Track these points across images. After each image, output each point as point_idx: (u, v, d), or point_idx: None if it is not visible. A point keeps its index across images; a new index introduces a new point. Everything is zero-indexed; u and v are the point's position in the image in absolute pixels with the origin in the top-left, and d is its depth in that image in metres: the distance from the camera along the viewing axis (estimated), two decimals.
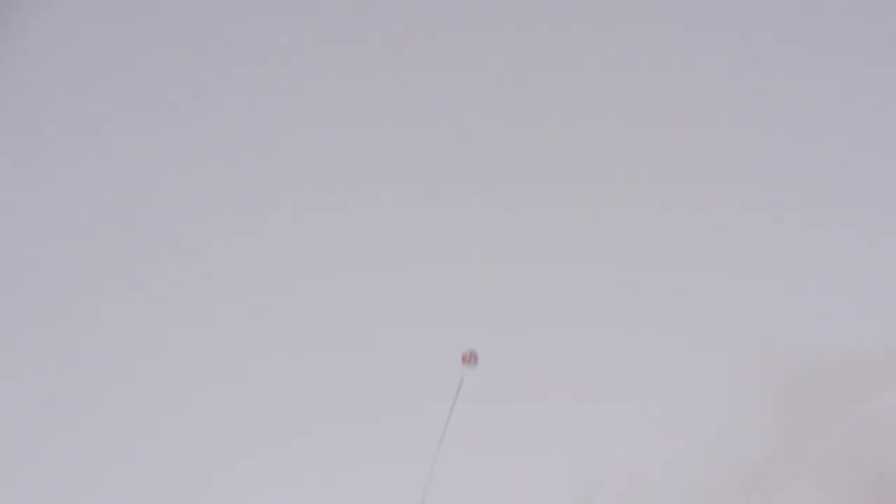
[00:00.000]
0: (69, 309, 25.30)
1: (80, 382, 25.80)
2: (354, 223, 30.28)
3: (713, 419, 29.65)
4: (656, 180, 32.25)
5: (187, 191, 26.75)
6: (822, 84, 31.90)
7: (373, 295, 30.02)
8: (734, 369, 30.17)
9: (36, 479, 23.62)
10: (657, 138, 32.85)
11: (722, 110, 33.78)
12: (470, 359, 25.03)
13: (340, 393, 29.66)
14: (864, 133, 34.61)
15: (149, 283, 26.23)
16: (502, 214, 30.84)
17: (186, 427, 26.40)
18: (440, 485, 27.03)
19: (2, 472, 22.65)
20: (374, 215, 30.18)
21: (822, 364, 30.37)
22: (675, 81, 31.13)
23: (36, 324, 24.56)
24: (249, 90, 27.49)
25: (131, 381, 26.36)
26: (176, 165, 26.78)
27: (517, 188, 30.57)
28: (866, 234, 32.46)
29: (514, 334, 30.17)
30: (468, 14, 28.27)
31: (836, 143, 34.92)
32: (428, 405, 28.11)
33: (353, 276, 30.20)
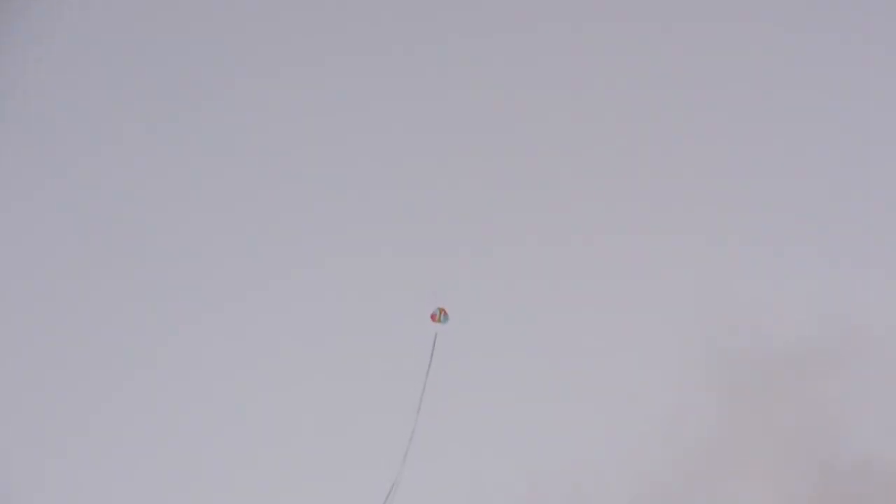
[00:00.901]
0: (71, 309, 25.19)
1: (85, 380, 25.57)
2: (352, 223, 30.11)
3: (659, 410, 29.82)
4: (608, 177, 32.35)
5: (187, 190, 26.65)
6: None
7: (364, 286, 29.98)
8: (680, 361, 30.35)
9: (36, 477, 23.43)
10: (606, 140, 32.87)
11: (652, 109, 33.68)
12: (440, 316, 25.21)
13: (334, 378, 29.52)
14: (798, 129, 34.56)
15: (150, 284, 26.18)
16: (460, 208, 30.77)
17: (186, 426, 26.23)
18: (405, 481, 27.07)
19: (1, 472, 22.52)
20: (373, 215, 30.07)
21: (767, 354, 30.64)
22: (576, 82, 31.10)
23: (36, 324, 24.47)
24: (248, 95, 27.43)
25: (132, 381, 26.16)
26: (176, 166, 26.71)
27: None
28: (810, 227, 32.68)
29: (464, 332, 30.13)
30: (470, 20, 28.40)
31: (777, 138, 34.75)
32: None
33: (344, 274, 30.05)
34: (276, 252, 34.88)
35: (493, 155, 33.86)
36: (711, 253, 33.43)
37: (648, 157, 35.24)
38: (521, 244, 31.77)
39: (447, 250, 31.92)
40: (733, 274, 33.36)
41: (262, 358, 33.19)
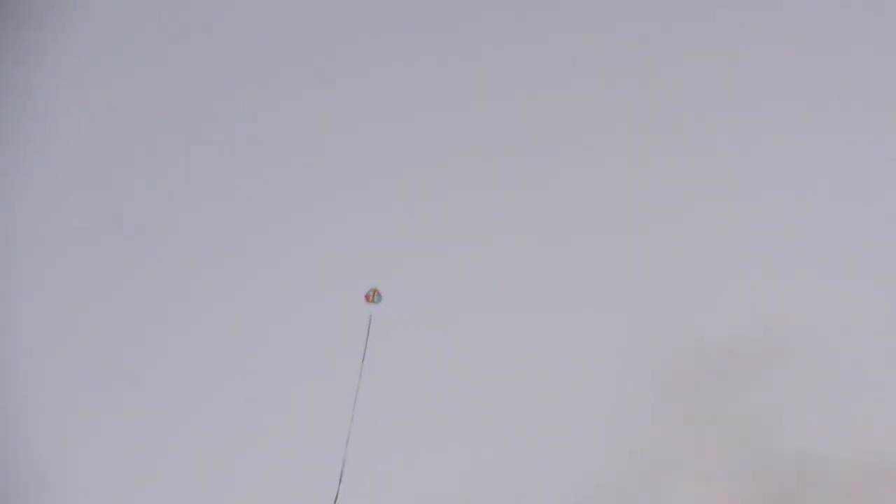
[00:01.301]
0: (71, 308, 24.92)
1: (89, 380, 25.27)
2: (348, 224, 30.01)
3: (599, 411, 29.92)
4: (552, 178, 32.39)
5: (184, 189, 26.44)
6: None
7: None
8: (618, 361, 30.51)
9: (37, 477, 23.12)
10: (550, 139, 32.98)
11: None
12: (373, 296, 25.16)
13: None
14: (733, 130, 34.92)
15: (150, 283, 25.95)
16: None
17: (184, 424, 26.01)
18: (346, 482, 26.95)
19: (2, 471, 22.27)
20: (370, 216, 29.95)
21: (704, 353, 30.86)
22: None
23: (37, 323, 24.16)
24: (246, 99, 27.21)
25: (132, 380, 25.87)
26: (173, 166, 26.56)
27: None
28: (746, 226, 33.02)
29: (405, 335, 30.03)
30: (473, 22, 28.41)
31: (713, 141, 35.12)
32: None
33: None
34: (276, 252, 34.90)
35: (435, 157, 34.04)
36: (648, 253, 33.73)
37: (580, 162, 35.46)
38: (462, 244, 31.89)
39: (394, 246, 32.16)
40: (671, 273, 33.68)
41: (263, 357, 33.17)
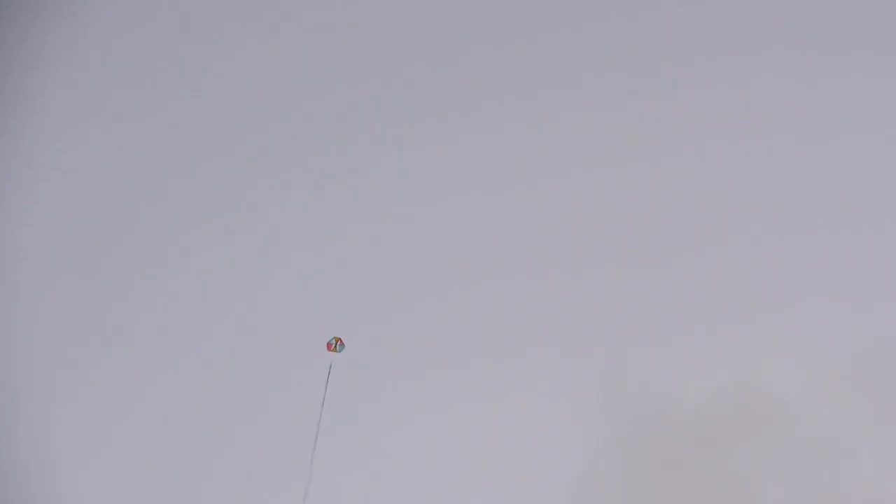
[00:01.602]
0: (71, 308, 25.13)
1: (88, 376, 25.44)
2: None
3: (565, 477, 29.82)
4: (524, 253, 32.20)
5: (185, 188, 26.58)
6: None
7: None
8: (586, 427, 30.37)
9: (38, 475, 23.31)
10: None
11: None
12: (335, 345, 25.10)
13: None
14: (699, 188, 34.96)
15: (150, 284, 26.11)
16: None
17: (184, 424, 26.17)
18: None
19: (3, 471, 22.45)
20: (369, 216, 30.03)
21: (674, 420, 30.91)
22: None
23: (37, 322, 24.34)
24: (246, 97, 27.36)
25: (133, 379, 25.98)
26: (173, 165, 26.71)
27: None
28: (719, 295, 33.10)
29: (367, 392, 29.97)
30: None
31: (677, 204, 35.11)
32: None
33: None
34: (274, 253, 34.96)
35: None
36: (620, 319, 33.66)
37: (549, 238, 35.51)
38: (448, 320, 31.64)
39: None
40: (640, 340, 33.60)
41: (261, 357, 33.20)
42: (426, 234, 34.65)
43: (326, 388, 28.72)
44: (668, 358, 34.06)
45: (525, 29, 35.70)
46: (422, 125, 34.90)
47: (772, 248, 37.40)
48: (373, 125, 34.51)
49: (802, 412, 36.36)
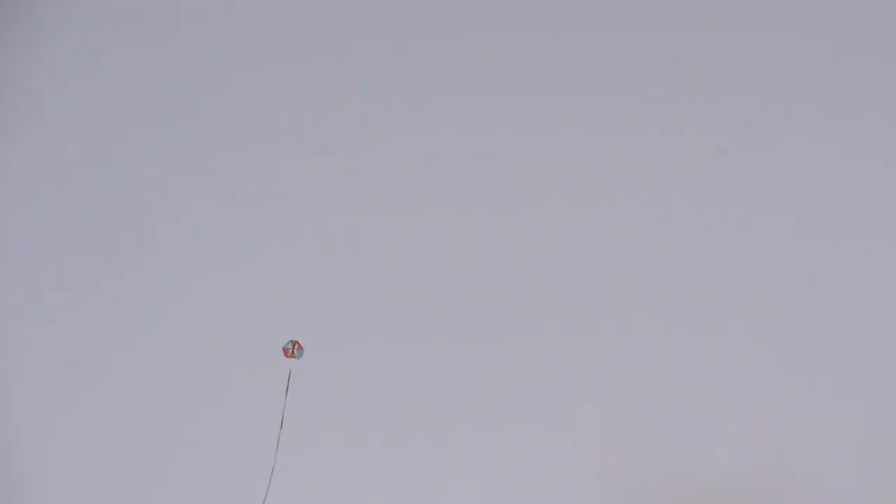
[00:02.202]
0: (71, 308, 25.47)
1: (88, 378, 25.82)
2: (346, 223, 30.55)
3: None
4: (506, 318, 32.48)
5: (183, 188, 26.97)
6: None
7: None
8: (595, 495, 30.43)
9: (38, 475, 23.64)
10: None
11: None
12: (292, 349, 25.11)
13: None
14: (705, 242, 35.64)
15: (150, 283, 26.59)
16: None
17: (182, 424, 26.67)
18: None
19: (3, 470, 22.76)
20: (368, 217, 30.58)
21: (690, 490, 30.88)
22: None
23: (37, 322, 24.65)
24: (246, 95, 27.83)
25: (134, 379, 26.45)
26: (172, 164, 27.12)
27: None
28: (740, 350, 33.15)
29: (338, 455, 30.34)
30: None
31: (678, 263, 35.77)
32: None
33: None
34: (274, 253, 35.32)
35: None
36: (627, 380, 33.21)
37: (544, 298, 35.55)
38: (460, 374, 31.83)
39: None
40: (649, 403, 32.99)
41: (262, 356, 33.31)
42: (426, 234, 34.84)
43: (286, 400, 28.32)
44: (682, 424, 33.42)
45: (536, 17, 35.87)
46: (422, 125, 35.13)
47: (805, 291, 37.10)
48: (373, 125, 34.74)
49: (830, 479, 35.69)
